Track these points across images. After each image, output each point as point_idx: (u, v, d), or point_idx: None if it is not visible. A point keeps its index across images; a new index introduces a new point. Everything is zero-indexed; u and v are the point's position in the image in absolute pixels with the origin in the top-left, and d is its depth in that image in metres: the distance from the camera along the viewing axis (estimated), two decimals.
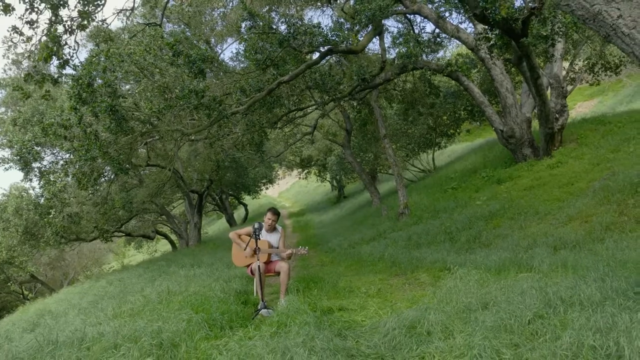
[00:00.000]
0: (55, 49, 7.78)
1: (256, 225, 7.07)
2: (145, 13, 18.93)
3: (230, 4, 17.75)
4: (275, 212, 7.55)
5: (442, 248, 10.58)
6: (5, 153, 17.53)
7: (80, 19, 7.78)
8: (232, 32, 19.10)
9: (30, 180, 16.54)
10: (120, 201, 18.70)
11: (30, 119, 16.29)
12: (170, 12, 18.52)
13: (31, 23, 7.47)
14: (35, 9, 7.18)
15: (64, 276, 34.60)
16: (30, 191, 18.91)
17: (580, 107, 33.75)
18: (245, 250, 7.08)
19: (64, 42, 7.92)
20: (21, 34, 7.73)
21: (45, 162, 17.15)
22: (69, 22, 7.78)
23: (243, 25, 11.30)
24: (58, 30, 7.63)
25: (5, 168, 16.90)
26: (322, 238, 19.47)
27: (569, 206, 9.89)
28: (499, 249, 8.90)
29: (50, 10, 7.25)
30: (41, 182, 16.02)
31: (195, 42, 16.26)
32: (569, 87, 21.10)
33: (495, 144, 18.89)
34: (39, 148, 16.38)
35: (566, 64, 19.59)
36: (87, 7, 7.68)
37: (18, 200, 18.21)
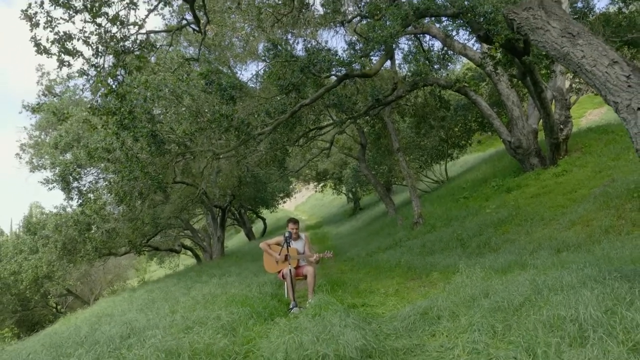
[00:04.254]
0: (115, 87, 8.89)
1: (287, 234, 8.03)
2: (168, 39, 20.00)
3: (249, 28, 18.80)
4: (295, 221, 8.47)
5: (454, 254, 11.28)
6: (49, 174, 18.78)
7: (137, 61, 8.87)
8: (252, 56, 20.20)
9: (72, 198, 17.72)
10: (149, 217, 19.78)
11: (70, 142, 17.52)
12: (194, 37, 19.63)
13: (96, 66, 8.57)
14: (100, 54, 8.30)
15: (90, 291, 35.76)
16: (68, 209, 20.13)
17: (590, 114, 34.17)
18: (278, 256, 8.00)
19: (121, 80, 9.03)
20: (86, 74, 8.81)
21: (83, 182, 18.36)
22: (127, 64, 8.91)
23: (266, 53, 12.33)
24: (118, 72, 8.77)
25: (50, 188, 18.14)
26: (340, 249, 20.18)
27: (572, 212, 10.58)
28: (507, 252, 9.61)
29: (113, 56, 8.37)
30: (80, 201, 17.15)
31: (216, 65, 17.38)
32: (575, 97, 21.83)
33: (504, 155, 19.61)
34: (79, 169, 17.61)
35: (571, 75, 20.36)
36: (144, 52, 8.79)
37: (57, 217, 19.40)
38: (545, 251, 8.68)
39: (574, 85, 20.86)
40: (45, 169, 21.56)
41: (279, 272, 8.06)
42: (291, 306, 7.29)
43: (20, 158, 22.99)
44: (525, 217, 11.76)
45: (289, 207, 60.08)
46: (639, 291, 4.06)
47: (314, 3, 16.56)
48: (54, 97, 18.48)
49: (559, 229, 10.04)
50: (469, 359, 4.01)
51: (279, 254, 7.98)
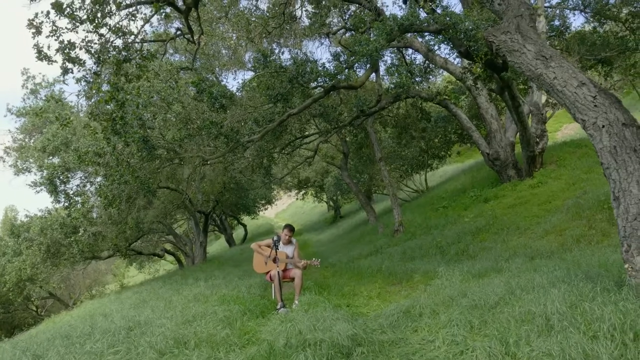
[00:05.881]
0: (115, 94, 9.20)
1: (275, 238, 8.42)
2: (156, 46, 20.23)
3: (236, 38, 19.15)
4: (292, 229, 8.87)
5: (433, 260, 11.69)
6: (35, 177, 19.08)
7: (138, 70, 9.20)
8: (239, 64, 20.52)
9: (59, 201, 17.85)
10: (133, 221, 19.96)
11: (59, 146, 17.70)
12: (181, 45, 19.90)
13: (96, 74, 8.89)
14: (101, 62, 8.59)
15: (69, 295, 35.56)
16: (53, 212, 20.23)
17: (566, 128, 34.97)
18: (268, 258, 8.36)
19: (121, 87, 9.34)
20: (86, 80, 9.13)
21: (70, 186, 18.54)
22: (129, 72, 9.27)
23: (256, 63, 12.70)
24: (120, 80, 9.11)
25: (37, 191, 18.29)
26: (321, 255, 20.41)
27: (546, 222, 11.10)
28: (484, 259, 10.01)
29: (114, 65, 8.67)
30: (67, 204, 17.28)
31: (202, 73, 17.70)
32: (551, 111, 22.51)
33: (483, 166, 20.15)
34: (67, 172, 17.80)
35: None
36: (144, 61, 9.12)
37: (43, 220, 19.49)
38: (520, 258, 9.07)
39: (550, 100, 21.51)
40: (29, 171, 21.72)
41: (267, 273, 8.40)
42: (278, 306, 7.61)
43: (4, 161, 23.05)
44: (502, 226, 12.24)
45: (269, 214, 60.20)
46: (600, 289, 4.53)
47: (300, 15, 16.99)
48: (57, 100, 18.58)
49: (533, 238, 10.51)
50: (448, 349, 4.44)
51: (269, 256, 8.33)
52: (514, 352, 3.88)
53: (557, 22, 18.47)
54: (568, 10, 18.17)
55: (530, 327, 4.15)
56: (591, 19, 18.56)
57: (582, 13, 18.51)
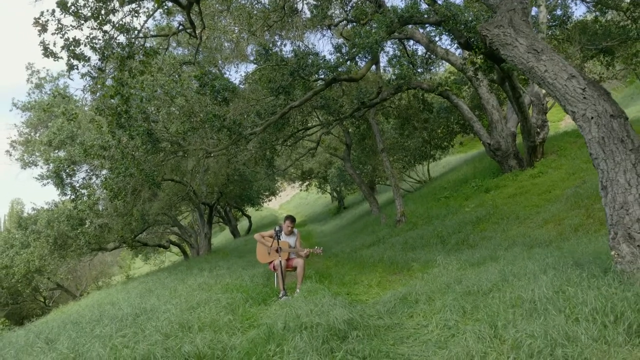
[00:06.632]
0: (120, 89, 9.41)
1: (277, 228, 8.65)
2: (159, 40, 20.37)
3: (238, 30, 19.26)
4: (293, 220, 9.09)
5: (434, 250, 11.86)
6: (41, 170, 19.42)
7: (141, 66, 9.40)
8: (241, 57, 20.64)
9: (65, 194, 18.19)
10: (138, 213, 20.24)
11: (65, 139, 17.99)
12: (183, 38, 20.05)
13: (101, 69, 9.11)
14: (105, 59, 8.80)
15: (76, 287, 35.97)
16: (60, 204, 20.58)
17: (569, 118, 34.82)
18: (270, 248, 8.58)
19: (125, 82, 9.54)
20: (91, 76, 9.36)
21: (76, 178, 18.88)
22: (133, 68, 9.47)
23: (258, 57, 12.90)
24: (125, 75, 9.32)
25: (44, 184, 18.63)
26: (324, 246, 20.50)
27: (546, 211, 11.25)
28: (483, 248, 10.17)
29: (118, 61, 8.87)
30: (73, 196, 17.59)
31: (205, 66, 17.84)
32: (552, 102, 22.52)
33: (485, 156, 20.27)
34: (73, 166, 18.12)
35: None
36: (147, 58, 9.31)
37: (49, 213, 19.82)
38: (518, 247, 9.23)
39: None
40: (36, 165, 22.04)
41: (270, 263, 8.62)
42: (281, 295, 7.84)
43: (10, 155, 23.33)
44: (502, 215, 12.40)
45: (273, 205, 60.37)
46: (587, 275, 4.71)
47: (302, 8, 17.11)
48: (63, 95, 18.89)
49: (532, 227, 10.66)
50: (440, 333, 4.64)
51: (271, 246, 8.55)
52: (501, 335, 4.06)
53: (558, 12, 18.53)
54: (570, 0, 18.22)
55: (518, 311, 4.35)
56: (593, 8, 18.62)
57: (584, 2, 18.56)
